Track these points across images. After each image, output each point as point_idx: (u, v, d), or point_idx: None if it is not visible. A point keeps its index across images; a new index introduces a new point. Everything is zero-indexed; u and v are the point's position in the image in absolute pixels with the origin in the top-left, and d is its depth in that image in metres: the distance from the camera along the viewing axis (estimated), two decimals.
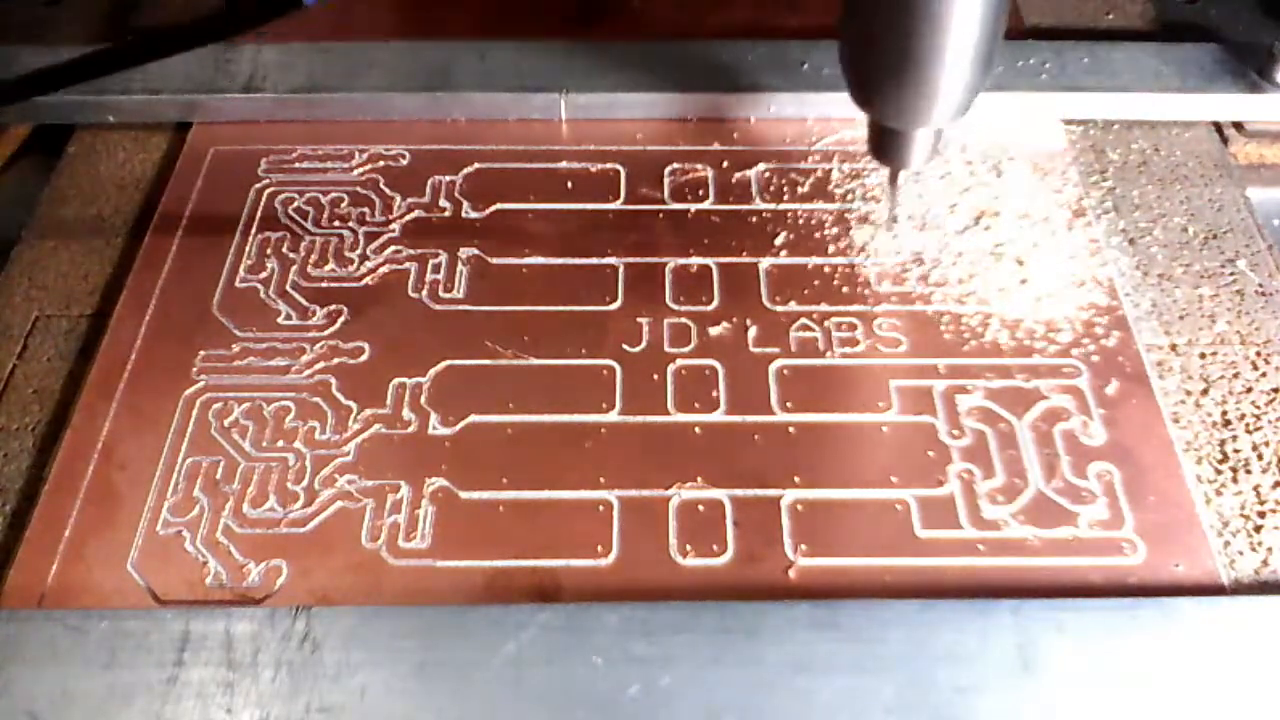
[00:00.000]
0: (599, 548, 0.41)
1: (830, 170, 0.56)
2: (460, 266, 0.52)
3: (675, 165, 0.56)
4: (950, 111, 0.41)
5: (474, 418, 0.46)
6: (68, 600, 0.40)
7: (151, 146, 0.58)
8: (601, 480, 0.43)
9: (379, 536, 0.42)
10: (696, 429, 0.45)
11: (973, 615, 0.38)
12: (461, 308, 0.50)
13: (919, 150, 0.44)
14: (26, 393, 0.47)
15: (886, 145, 0.44)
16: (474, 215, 0.54)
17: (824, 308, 0.49)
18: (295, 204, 0.55)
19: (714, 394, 0.46)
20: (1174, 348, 0.48)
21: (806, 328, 0.48)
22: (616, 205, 0.55)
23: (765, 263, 0.51)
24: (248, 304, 0.50)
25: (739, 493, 0.43)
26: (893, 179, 0.48)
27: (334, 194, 0.55)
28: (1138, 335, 0.48)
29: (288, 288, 0.51)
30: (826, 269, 0.51)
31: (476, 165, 0.56)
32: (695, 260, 0.52)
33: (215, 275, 0.51)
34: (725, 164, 0.56)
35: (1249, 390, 0.46)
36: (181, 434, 0.45)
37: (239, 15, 0.43)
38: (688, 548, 0.41)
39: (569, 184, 0.56)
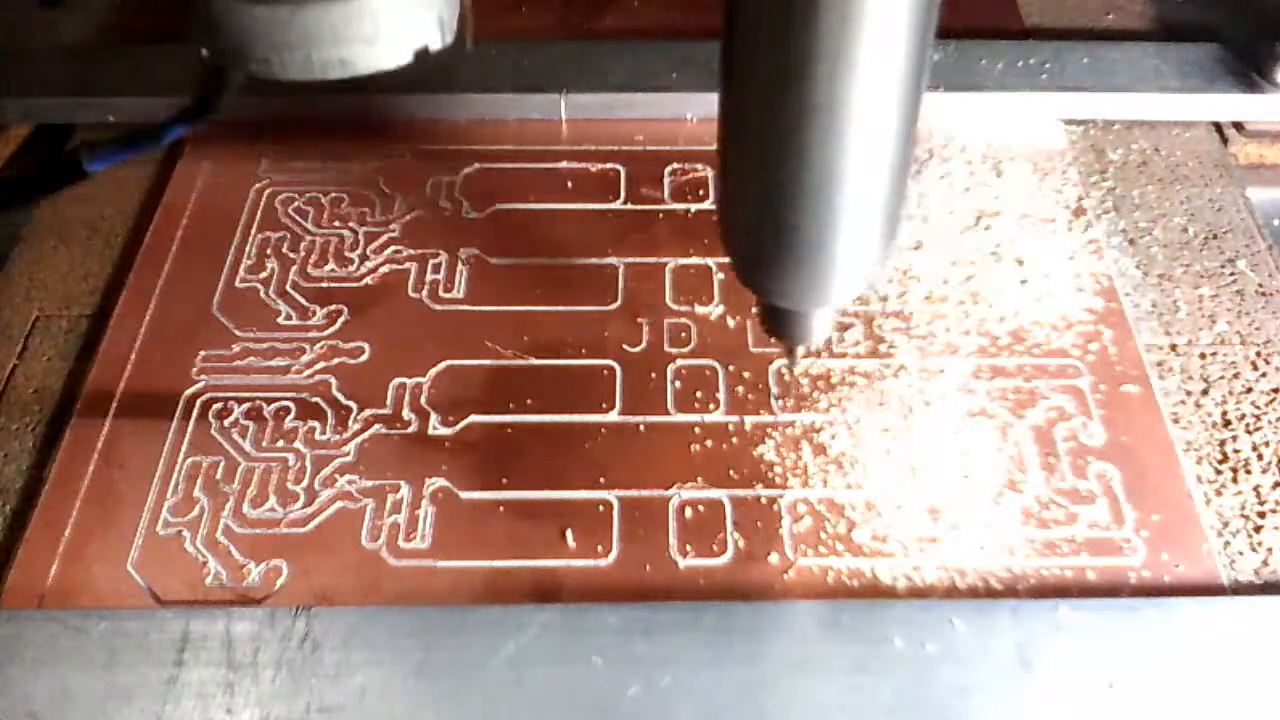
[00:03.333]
0: (599, 548, 0.41)
1: None
2: (460, 266, 0.52)
3: (675, 165, 0.56)
4: (855, 286, 0.33)
5: (474, 418, 0.46)
6: (68, 600, 0.40)
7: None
8: (601, 480, 0.43)
9: (379, 536, 0.42)
10: (696, 429, 0.45)
11: (973, 615, 0.38)
12: (461, 308, 0.50)
13: (820, 327, 0.37)
14: (26, 393, 0.47)
15: (781, 323, 0.37)
16: (474, 215, 0.54)
17: None
18: (295, 204, 0.55)
19: (714, 394, 0.46)
20: (1174, 348, 0.48)
21: None
22: (616, 205, 0.55)
23: None
24: (248, 304, 0.50)
25: (739, 493, 0.43)
26: (790, 353, 0.40)
27: (334, 194, 0.55)
28: (1138, 335, 0.48)
29: (288, 288, 0.51)
30: None
31: (476, 165, 0.56)
32: (695, 260, 0.52)
33: (215, 275, 0.51)
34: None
35: (1249, 390, 0.46)
36: (181, 434, 0.45)
37: (24, 183, 0.45)
38: (688, 548, 0.41)
39: (569, 184, 0.56)
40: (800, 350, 0.39)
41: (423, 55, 0.34)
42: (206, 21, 0.34)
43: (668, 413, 0.46)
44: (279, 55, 0.34)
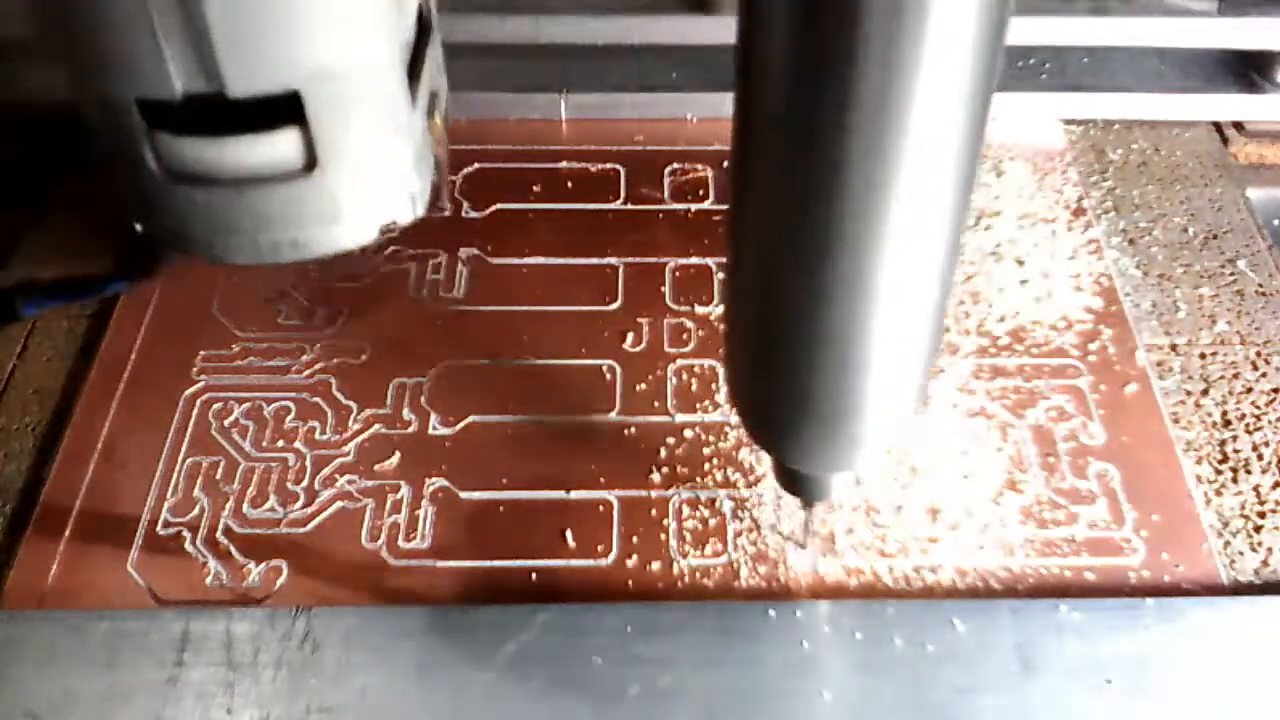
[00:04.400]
0: (599, 548, 0.41)
1: None
2: (460, 266, 0.52)
3: (675, 165, 0.56)
4: (878, 451, 0.31)
5: (474, 418, 0.46)
6: (68, 600, 0.40)
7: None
8: (601, 480, 0.43)
9: (379, 536, 0.42)
10: (696, 428, 0.45)
11: (973, 615, 0.38)
12: (461, 308, 0.50)
13: (840, 485, 0.35)
14: (26, 393, 0.47)
15: (799, 483, 0.35)
16: (474, 215, 0.54)
17: None
18: None
19: (713, 394, 0.46)
20: (1174, 348, 0.48)
21: None
22: (616, 205, 0.55)
23: None
24: (248, 304, 0.50)
25: (739, 493, 0.43)
26: (808, 508, 0.39)
27: None
28: (1138, 335, 0.48)
29: (288, 287, 0.51)
30: None
31: (476, 165, 0.56)
32: (695, 260, 0.52)
33: (215, 275, 0.51)
34: (725, 164, 0.56)
35: (1249, 390, 0.46)
36: (181, 434, 0.45)
37: None
38: (688, 547, 0.41)
39: (569, 184, 0.56)
40: (818, 505, 0.38)
41: (389, 230, 0.30)
42: (137, 198, 0.29)
43: (668, 413, 0.46)
44: (222, 239, 0.29)
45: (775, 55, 0.22)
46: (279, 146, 0.27)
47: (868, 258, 0.24)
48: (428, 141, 0.31)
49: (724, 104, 0.59)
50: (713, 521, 0.42)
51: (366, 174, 0.29)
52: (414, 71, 0.30)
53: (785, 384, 0.28)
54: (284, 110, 0.26)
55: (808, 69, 0.22)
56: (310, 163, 0.27)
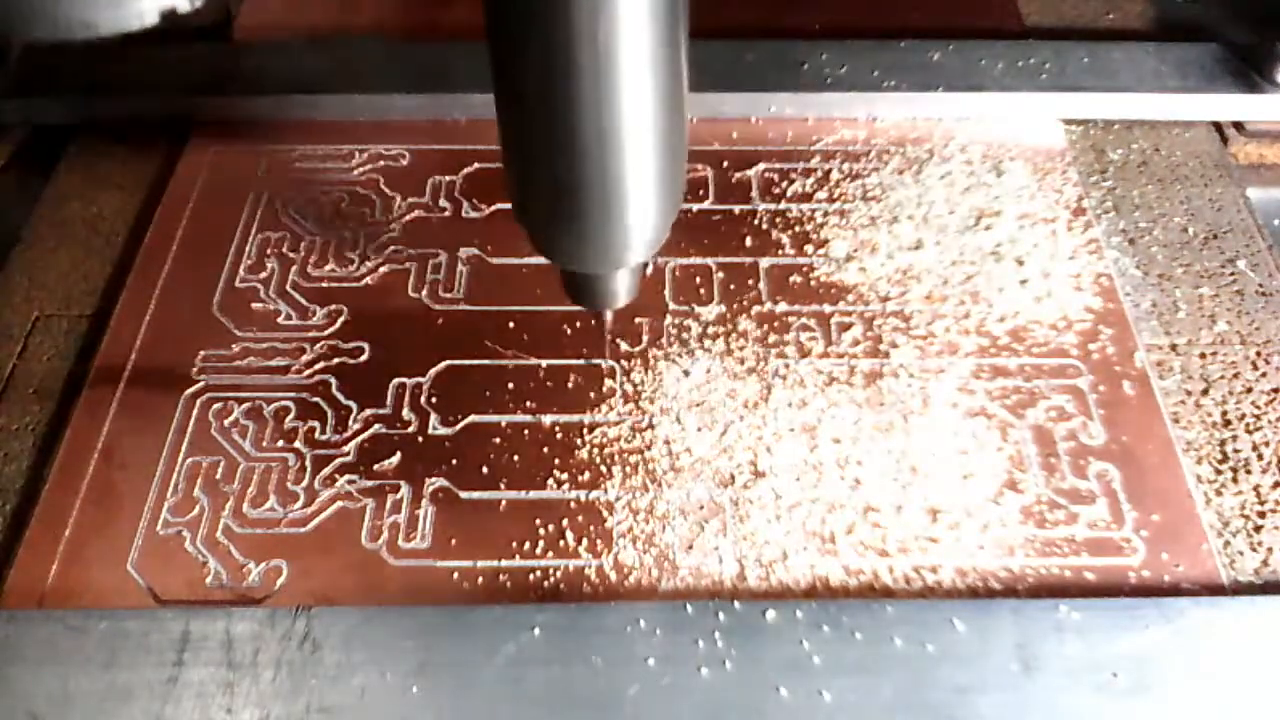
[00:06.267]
0: (599, 548, 0.41)
1: (830, 170, 0.56)
2: (460, 266, 0.52)
3: None
4: (650, 243, 0.34)
5: (474, 418, 0.46)
6: (68, 600, 0.40)
7: (151, 147, 0.58)
8: (601, 480, 0.43)
9: (379, 536, 0.42)
10: (697, 429, 0.45)
11: (973, 615, 0.38)
12: (461, 308, 0.50)
13: (624, 286, 0.37)
14: (26, 393, 0.47)
15: (583, 289, 0.37)
16: (474, 215, 0.54)
17: (825, 308, 0.49)
18: (295, 204, 0.55)
19: (713, 394, 0.46)
20: (1174, 348, 0.48)
21: (807, 328, 0.48)
22: None
23: (765, 263, 0.51)
24: (248, 304, 0.50)
25: (739, 493, 0.43)
26: (599, 318, 0.41)
27: (334, 194, 0.55)
28: (1138, 335, 0.48)
29: (288, 288, 0.51)
30: (827, 269, 0.51)
31: (476, 165, 0.56)
32: (695, 260, 0.52)
33: (215, 275, 0.51)
34: (725, 164, 0.56)
35: (1249, 390, 0.46)
36: (181, 434, 0.45)
37: None
38: (689, 547, 0.41)
39: None
40: (610, 314, 0.40)
41: (171, 16, 0.33)
42: None
43: (668, 412, 0.46)
44: (19, 12, 0.31)
45: None
46: None
47: (599, 30, 0.27)
48: None
49: (724, 104, 0.59)
50: (713, 521, 0.42)
51: None
52: None
53: (548, 181, 0.31)
54: None
55: None
56: None
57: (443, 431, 0.45)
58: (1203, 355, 0.48)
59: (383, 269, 0.51)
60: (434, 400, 0.46)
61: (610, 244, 0.33)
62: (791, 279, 0.51)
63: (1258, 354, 0.48)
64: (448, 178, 0.56)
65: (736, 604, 0.39)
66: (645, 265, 0.37)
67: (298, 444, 0.45)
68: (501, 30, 0.29)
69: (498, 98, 0.31)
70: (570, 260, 0.35)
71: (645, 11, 0.27)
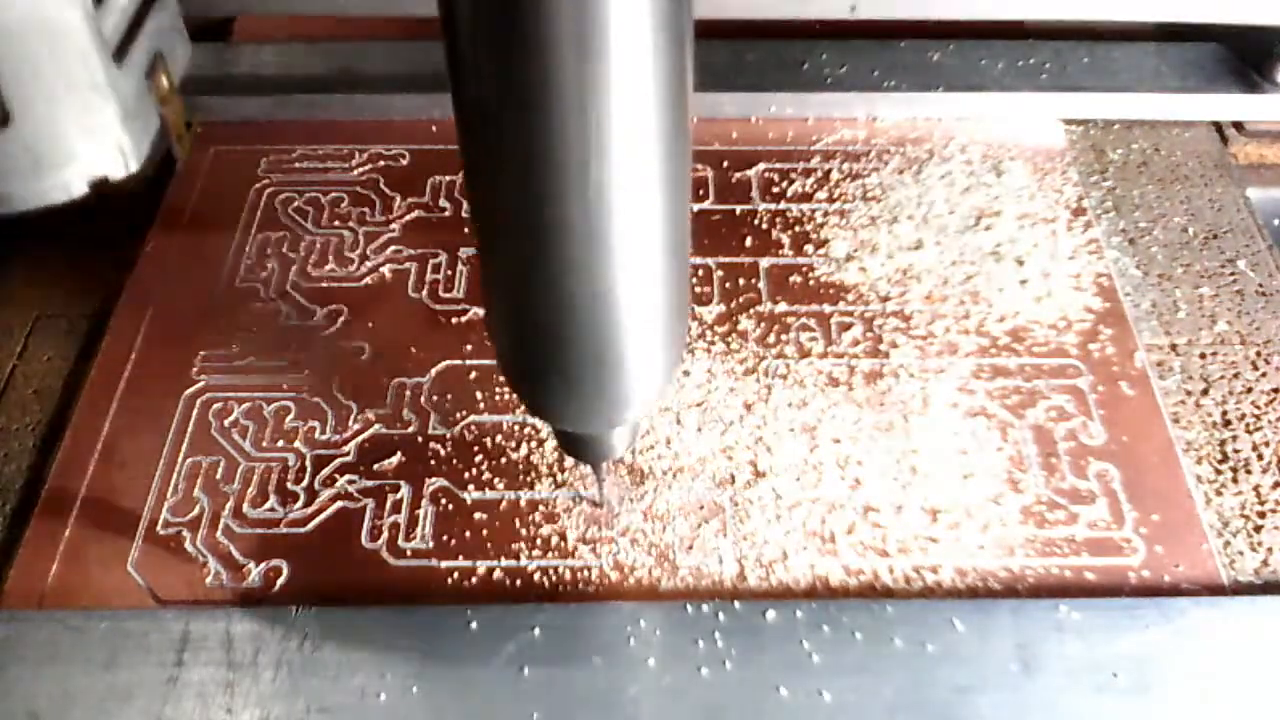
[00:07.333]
0: (599, 548, 0.41)
1: (830, 170, 0.56)
2: (460, 266, 0.52)
3: None
4: (650, 400, 0.31)
5: (474, 418, 0.46)
6: (68, 600, 0.40)
7: (151, 147, 0.58)
8: (601, 480, 0.43)
9: (379, 536, 0.42)
10: (697, 429, 0.45)
11: (973, 615, 0.38)
12: (461, 308, 0.50)
13: (621, 439, 0.35)
14: (26, 393, 0.47)
15: (580, 446, 0.35)
16: None
17: (825, 308, 0.49)
18: (295, 204, 0.54)
19: (713, 394, 0.46)
20: (1174, 348, 0.48)
21: (807, 328, 0.48)
22: None
23: (765, 263, 0.51)
24: (248, 304, 0.50)
25: (739, 493, 0.43)
26: (597, 469, 0.40)
27: (334, 194, 0.55)
28: (1138, 335, 0.48)
29: (288, 288, 0.51)
30: (827, 269, 0.51)
31: None
32: (695, 260, 0.52)
33: (215, 275, 0.51)
34: (725, 164, 0.56)
35: (1249, 390, 0.46)
36: (181, 434, 0.45)
37: None
38: (688, 547, 0.41)
39: None
40: (607, 466, 0.38)
41: (103, 185, 0.32)
42: None
43: (668, 412, 0.46)
44: None
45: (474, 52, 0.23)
46: None
47: (595, 223, 0.25)
48: (147, 101, 0.32)
49: (724, 104, 0.59)
50: (713, 520, 0.42)
51: (64, 129, 0.29)
52: (131, 34, 0.33)
53: (540, 348, 0.29)
54: None
55: (505, 65, 0.22)
56: (3, 118, 0.28)
57: (442, 431, 0.45)
58: (1203, 355, 0.48)
59: (383, 269, 0.51)
60: (434, 400, 0.46)
61: (604, 411, 0.30)
62: (791, 279, 0.51)
63: (1258, 354, 0.48)
64: (448, 178, 0.56)
65: (736, 604, 0.39)
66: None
67: (298, 444, 0.45)
68: (482, 182, 0.26)
69: (479, 243, 0.29)
70: (564, 423, 0.33)
71: (647, 165, 0.25)
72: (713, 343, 0.48)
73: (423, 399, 0.46)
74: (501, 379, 0.47)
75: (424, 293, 0.50)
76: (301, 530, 0.42)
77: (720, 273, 0.51)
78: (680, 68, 0.24)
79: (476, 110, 0.24)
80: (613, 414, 0.31)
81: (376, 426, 0.45)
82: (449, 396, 0.46)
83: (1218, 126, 0.58)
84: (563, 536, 0.42)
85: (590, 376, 0.29)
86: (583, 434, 0.34)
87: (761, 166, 0.56)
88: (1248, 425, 0.45)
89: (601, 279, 0.26)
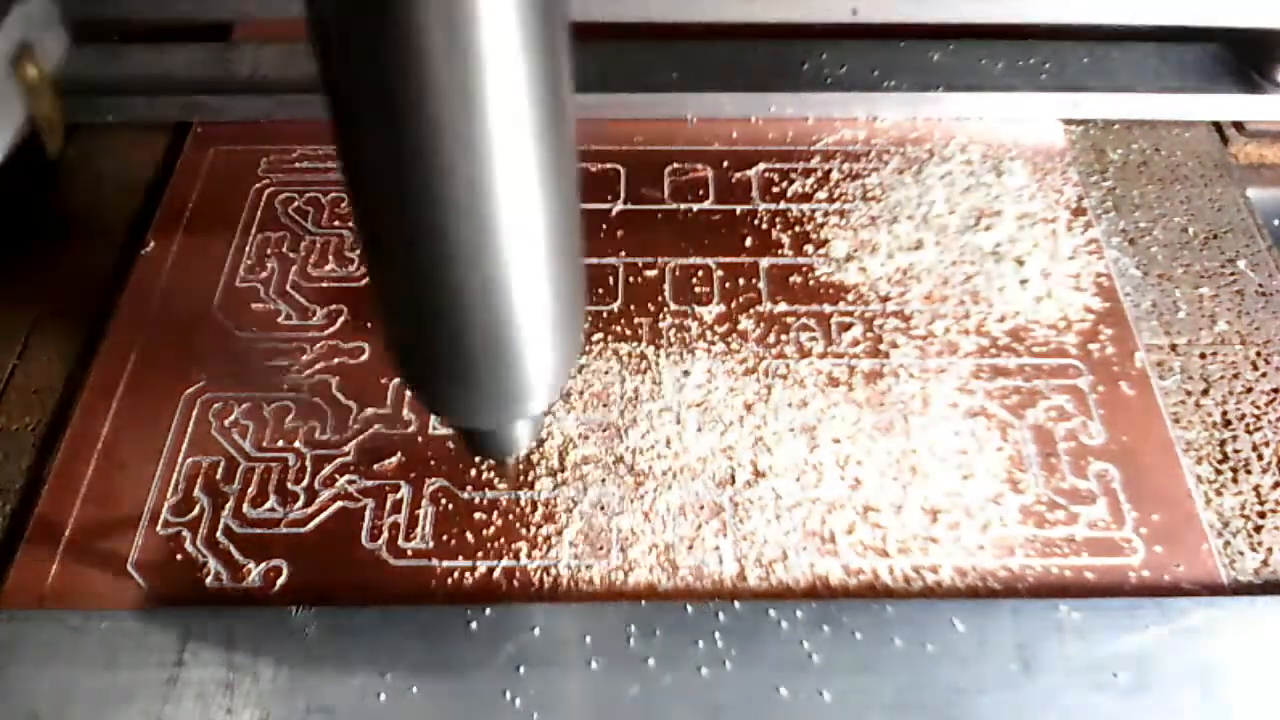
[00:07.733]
0: (600, 548, 0.41)
1: (830, 170, 0.56)
2: None
3: (675, 165, 0.56)
4: (547, 393, 0.31)
5: None
6: (68, 600, 0.40)
7: (151, 146, 0.58)
8: (601, 479, 0.43)
9: (379, 536, 0.42)
10: (697, 429, 0.45)
11: (973, 615, 0.38)
12: None
13: (525, 433, 0.34)
14: (26, 393, 0.47)
15: (482, 443, 0.34)
16: None
17: (825, 308, 0.49)
18: (295, 204, 0.54)
19: (713, 394, 0.46)
20: (1174, 348, 0.48)
21: (807, 328, 0.48)
22: (616, 205, 0.54)
23: (765, 263, 0.51)
24: (248, 304, 0.50)
25: (739, 493, 0.43)
26: (500, 466, 0.40)
27: (334, 194, 0.55)
28: (1138, 335, 0.48)
29: (288, 288, 0.51)
30: (827, 269, 0.51)
31: None
32: (695, 260, 0.52)
33: (215, 275, 0.51)
34: (725, 164, 0.56)
35: (1249, 390, 0.46)
36: (181, 434, 0.45)
37: None
38: (688, 547, 0.41)
39: None
40: (513, 460, 0.37)
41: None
42: None
43: (668, 412, 0.46)
44: None
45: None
46: None
47: (478, 203, 0.25)
48: (13, 90, 0.31)
49: (724, 104, 0.59)
50: (713, 521, 0.42)
51: None
52: None
53: (432, 340, 0.29)
54: None
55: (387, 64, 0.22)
56: None
57: (443, 431, 0.45)
58: (1203, 355, 0.48)
59: None
60: None
61: (505, 402, 0.30)
62: (791, 279, 0.51)
63: (1258, 354, 0.48)
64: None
65: (736, 604, 0.39)
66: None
67: (298, 444, 0.45)
68: (361, 171, 0.26)
69: (362, 239, 0.28)
70: (464, 417, 0.32)
71: (524, 149, 0.24)
72: (713, 343, 0.48)
73: None
74: None
75: None
76: (301, 530, 0.42)
77: (720, 273, 0.51)
78: (552, 47, 0.24)
79: (348, 98, 0.24)
80: (511, 407, 0.31)
81: (376, 426, 0.45)
82: None
83: (1218, 126, 0.58)
84: (563, 536, 0.42)
85: (485, 367, 0.29)
86: (483, 429, 0.34)
87: (761, 166, 0.56)
88: (1248, 425, 0.45)
89: (489, 263, 0.26)
